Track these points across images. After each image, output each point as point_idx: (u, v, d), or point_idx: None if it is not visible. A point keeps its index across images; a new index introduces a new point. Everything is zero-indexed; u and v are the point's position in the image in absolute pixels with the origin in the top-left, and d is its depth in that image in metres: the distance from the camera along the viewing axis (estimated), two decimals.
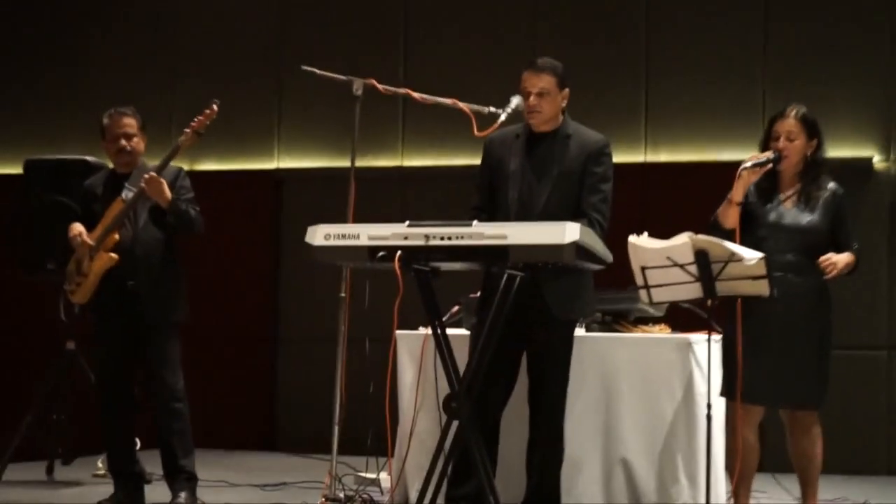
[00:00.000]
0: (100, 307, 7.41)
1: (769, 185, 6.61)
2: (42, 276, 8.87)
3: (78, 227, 7.38)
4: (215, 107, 7.28)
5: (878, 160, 10.30)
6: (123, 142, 7.41)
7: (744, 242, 6.37)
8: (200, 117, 7.26)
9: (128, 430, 7.44)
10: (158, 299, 7.31)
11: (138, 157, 7.46)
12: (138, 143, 7.46)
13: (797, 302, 6.43)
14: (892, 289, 10.20)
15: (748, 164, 6.48)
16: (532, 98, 6.69)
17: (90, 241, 7.29)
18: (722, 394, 6.46)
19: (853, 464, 9.77)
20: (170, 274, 7.38)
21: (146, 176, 7.19)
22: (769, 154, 6.55)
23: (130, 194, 7.28)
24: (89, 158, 8.96)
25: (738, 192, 6.49)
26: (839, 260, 6.46)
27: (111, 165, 7.67)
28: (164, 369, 7.32)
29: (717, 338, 6.86)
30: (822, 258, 6.43)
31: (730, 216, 6.48)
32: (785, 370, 6.45)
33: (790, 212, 6.57)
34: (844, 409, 9.95)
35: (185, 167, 7.77)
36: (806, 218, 6.54)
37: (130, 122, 7.46)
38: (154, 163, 7.38)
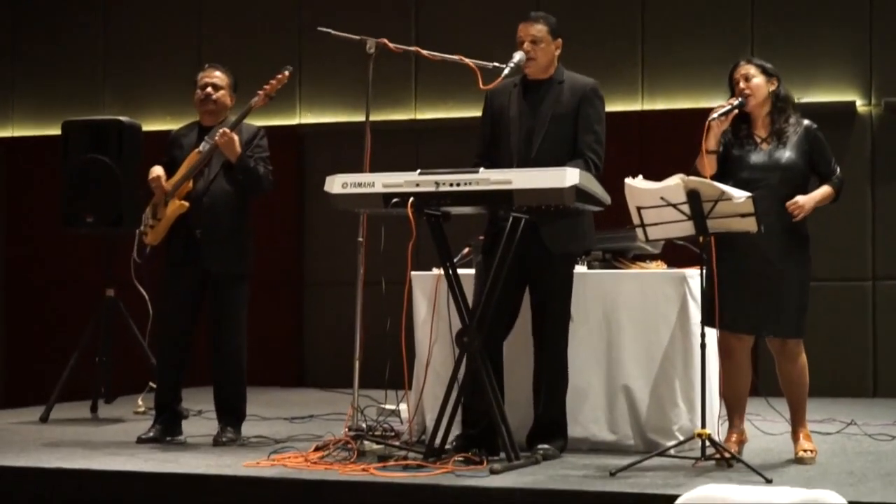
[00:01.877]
0: (169, 252, 7.44)
1: (744, 129, 6.59)
2: (82, 229, 8.89)
3: (157, 171, 7.39)
4: (287, 73, 7.34)
5: (860, 104, 10.27)
6: (210, 90, 7.42)
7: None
8: (273, 82, 7.33)
9: (180, 370, 7.46)
10: (222, 250, 7.31)
11: (223, 111, 7.47)
12: (224, 96, 7.46)
13: (776, 237, 6.40)
14: (875, 224, 10.21)
15: (715, 114, 6.47)
16: (526, 45, 6.71)
17: (167, 187, 7.31)
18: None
19: (840, 387, 9.82)
20: (236, 227, 7.36)
21: (220, 131, 7.21)
22: (733, 101, 6.53)
23: (207, 147, 7.30)
24: (123, 119, 8.96)
25: (710, 142, 6.48)
26: (806, 202, 6.43)
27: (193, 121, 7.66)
28: (225, 318, 7.35)
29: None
30: (789, 203, 6.42)
31: (706, 165, 6.46)
32: (766, 301, 6.45)
33: (767, 151, 6.53)
34: (832, 337, 9.98)
35: None
36: (784, 155, 6.51)
37: (219, 76, 7.49)
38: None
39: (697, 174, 6.43)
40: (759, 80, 6.57)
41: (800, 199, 6.43)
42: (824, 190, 6.54)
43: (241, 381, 7.42)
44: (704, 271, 6.29)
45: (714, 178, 6.40)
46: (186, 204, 7.29)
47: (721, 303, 6.37)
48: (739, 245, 6.38)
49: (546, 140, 6.65)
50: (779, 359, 6.63)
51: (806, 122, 6.60)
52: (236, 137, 7.21)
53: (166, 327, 7.45)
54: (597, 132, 6.70)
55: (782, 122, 6.56)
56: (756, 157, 6.53)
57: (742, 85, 6.56)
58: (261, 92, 7.32)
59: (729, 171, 6.51)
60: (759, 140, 6.58)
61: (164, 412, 7.44)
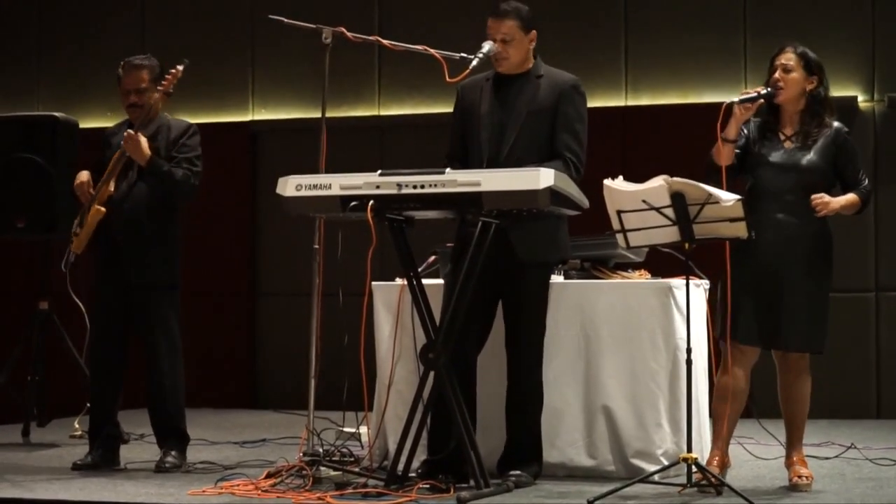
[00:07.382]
0: (95, 262, 7.45)
1: (771, 123, 6.60)
2: (13, 235, 8.85)
3: (83, 176, 7.40)
4: (181, 67, 7.31)
5: (862, 99, 10.31)
6: (133, 97, 7.42)
7: (741, 183, 6.45)
8: (168, 77, 7.29)
9: (113, 390, 7.47)
10: (144, 260, 7.31)
11: (150, 109, 7.42)
12: (149, 98, 7.41)
13: (794, 243, 6.41)
14: (878, 230, 10.23)
15: (738, 98, 6.46)
16: (497, 45, 6.69)
17: (90, 191, 7.31)
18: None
19: (840, 408, 9.82)
20: (159, 236, 7.37)
21: (125, 134, 7.21)
22: (761, 89, 6.51)
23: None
24: (58, 115, 8.93)
25: (731, 130, 6.46)
26: (832, 200, 6.43)
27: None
28: (154, 331, 7.36)
29: (698, 282, 6.90)
30: (815, 196, 6.41)
31: (723, 154, 6.45)
32: (781, 312, 6.45)
33: (789, 151, 6.53)
34: (832, 352, 9.90)
35: None
36: (805, 157, 6.50)
37: (141, 77, 7.42)
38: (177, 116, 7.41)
39: (712, 163, 6.44)
40: (797, 74, 6.53)
41: (825, 195, 6.43)
42: (851, 197, 6.51)
43: (179, 397, 7.42)
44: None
45: (731, 172, 6.42)
46: (103, 210, 7.27)
47: (733, 313, 6.38)
48: (754, 251, 6.40)
49: (520, 139, 6.65)
50: (782, 373, 6.64)
51: (836, 124, 6.58)
52: (143, 139, 7.22)
53: (101, 341, 7.45)
54: (577, 132, 6.70)
55: (812, 126, 6.54)
56: (776, 156, 6.53)
57: (778, 75, 6.54)
58: (155, 94, 7.33)
59: (748, 167, 6.54)
60: (782, 138, 6.58)
61: (98, 437, 7.42)
